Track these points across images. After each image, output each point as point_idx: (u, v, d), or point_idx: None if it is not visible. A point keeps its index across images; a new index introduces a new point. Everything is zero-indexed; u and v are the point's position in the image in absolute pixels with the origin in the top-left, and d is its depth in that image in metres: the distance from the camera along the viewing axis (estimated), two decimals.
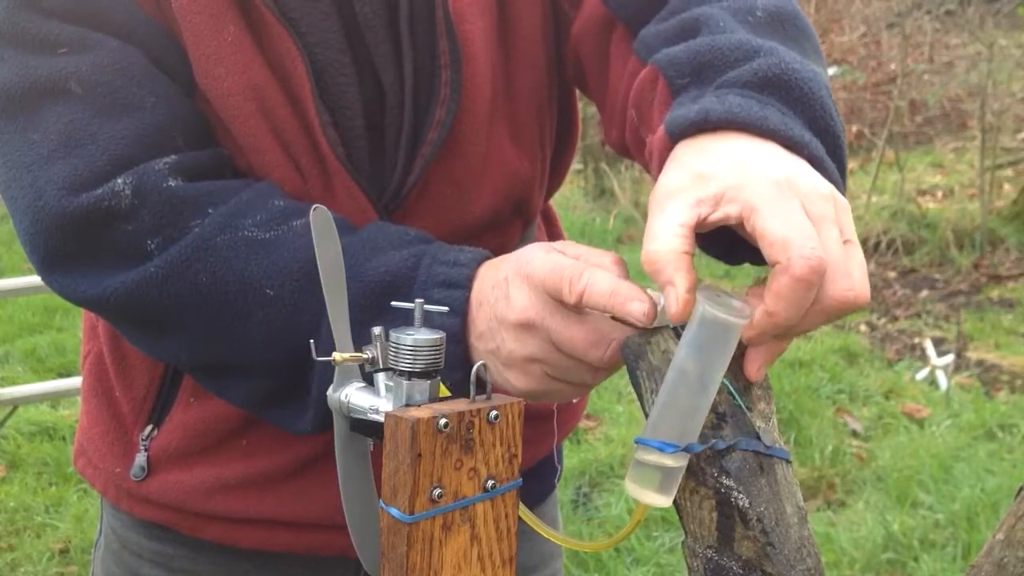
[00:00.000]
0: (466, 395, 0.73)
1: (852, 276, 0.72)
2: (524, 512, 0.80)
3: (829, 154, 0.83)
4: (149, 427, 1.09)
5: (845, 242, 0.74)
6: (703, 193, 0.75)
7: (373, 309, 0.87)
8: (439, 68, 0.99)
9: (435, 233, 1.00)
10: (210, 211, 0.92)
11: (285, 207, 0.94)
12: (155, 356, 1.04)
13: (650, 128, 0.91)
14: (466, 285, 0.86)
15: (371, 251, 0.90)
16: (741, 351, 0.76)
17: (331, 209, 0.96)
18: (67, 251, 0.93)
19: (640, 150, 0.96)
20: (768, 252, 0.71)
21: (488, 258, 0.89)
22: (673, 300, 0.72)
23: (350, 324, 0.80)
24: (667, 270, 0.73)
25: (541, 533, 0.85)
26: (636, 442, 0.73)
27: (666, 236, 0.74)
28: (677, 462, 0.72)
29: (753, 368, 0.76)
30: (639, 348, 0.76)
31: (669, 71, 0.89)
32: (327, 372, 0.85)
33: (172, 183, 0.92)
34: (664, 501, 0.74)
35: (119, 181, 0.91)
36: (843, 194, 0.84)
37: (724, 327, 0.71)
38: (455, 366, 0.84)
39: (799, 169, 0.76)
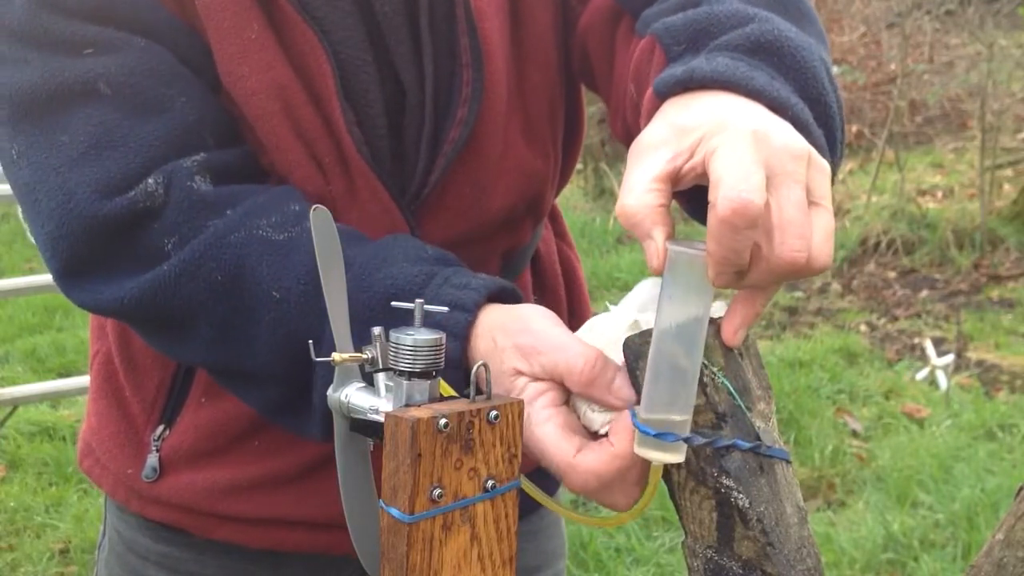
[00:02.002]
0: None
1: (806, 238, 0.71)
2: (529, 487, 0.80)
3: (818, 122, 0.83)
4: (160, 427, 1.08)
5: (812, 204, 0.73)
6: (680, 146, 0.75)
7: (376, 321, 0.85)
8: (459, 67, 0.99)
9: (453, 232, 1.00)
10: (228, 212, 0.91)
11: (300, 211, 0.93)
12: (174, 358, 1.04)
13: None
14: (471, 309, 0.83)
15: (382, 262, 0.88)
16: (724, 344, 0.76)
17: (354, 209, 0.96)
18: (92, 256, 0.92)
19: (638, 128, 0.97)
20: (709, 191, 0.71)
21: (502, 288, 0.87)
22: (653, 253, 0.73)
23: (353, 334, 0.80)
24: (645, 224, 0.73)
25: (550, 507, 0.85)
26: (633, 420, 0.74)
27: (640, 190, 0.74)
28: (682, 416, 0.73)
29: (730, 331, 0.76)
30: (639, 348, 0.76)
31: (666, 39, 0.89)
32: (328, 378, 0.85)
33: (196, 183, 0.91)
34: (676, 457, 0.74)
35: (151, 181, 0.90)
36: (835, 166, 0.83)
37: (689, 261, 0.72)
38: (454, 388, 0.83)
39: (777, 126, 0.76)
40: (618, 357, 0.79)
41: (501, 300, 0.86)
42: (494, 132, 1.02)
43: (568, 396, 0.81)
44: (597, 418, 0.79)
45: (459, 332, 0.83)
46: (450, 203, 1.03)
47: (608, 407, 0.79)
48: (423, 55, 0.99)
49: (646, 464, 0.76)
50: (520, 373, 0.80)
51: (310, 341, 0.83)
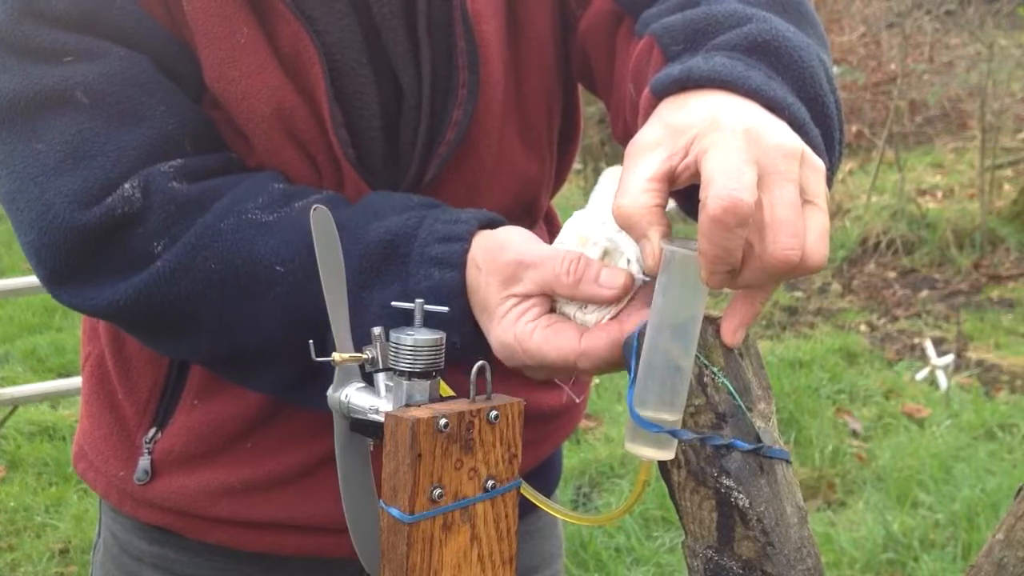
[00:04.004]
0: (474, 353, 0.74)
1: (799, 236, 0.71)
2: (528, 491, 0.80)
3: (815, 121, 0.82)
4: (152, 430, 1.08)
5: (806, 203, 0.73)
6: (674, 146, 0.75)
7: (373, 271, 0.87)
8: (456, 69, 0.99)
9: None
10: (214, 207, 0.92)
11: (285, 189, 0.94)
12: (176, 356, 1.04)
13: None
14: (466, 239, 0.86)
15: (373, 215, 0.90)
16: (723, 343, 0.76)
17: None
18: (77, 264, 0.92)
19: (636, 127, 0.97)
20: (700, 191, 0.71)
21: (491, 220, 0.89)
22: (648, 253, 0.74)
23: (349, 286, 0.80)
24: (640, 224, 0.74)
25: (548, 510, 0.85)
26: (629, 410, 0.74)
27: (636, 191, 0.75)
28: (674, 415, 0.73)
29: (728, 331, 0.76)
30: (640, 348, 0.76)
31: (664, 39, 0.89)
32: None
33: (176, 184, 0.91)
34: (666, 454, 0.74)
35: (127, 186, 0.90)
36: (833, 166, 0.83)
37: (682, 260, 0.73)
38: (460, 320, 0.84)
39: (769, 125, 0.76)
40: (595, 253, 0.82)
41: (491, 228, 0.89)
42: (489, 134, 1.02)
43: (552, 306, 0.84)
44: (591, 318, 0.82)
45: (455, 261, 0.85)
46: None
47: (601, 301, 0.81)
48: (420, 57, 1.00)
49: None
50: (509, 296, 0.83)
51: (311, 341, 0.83)
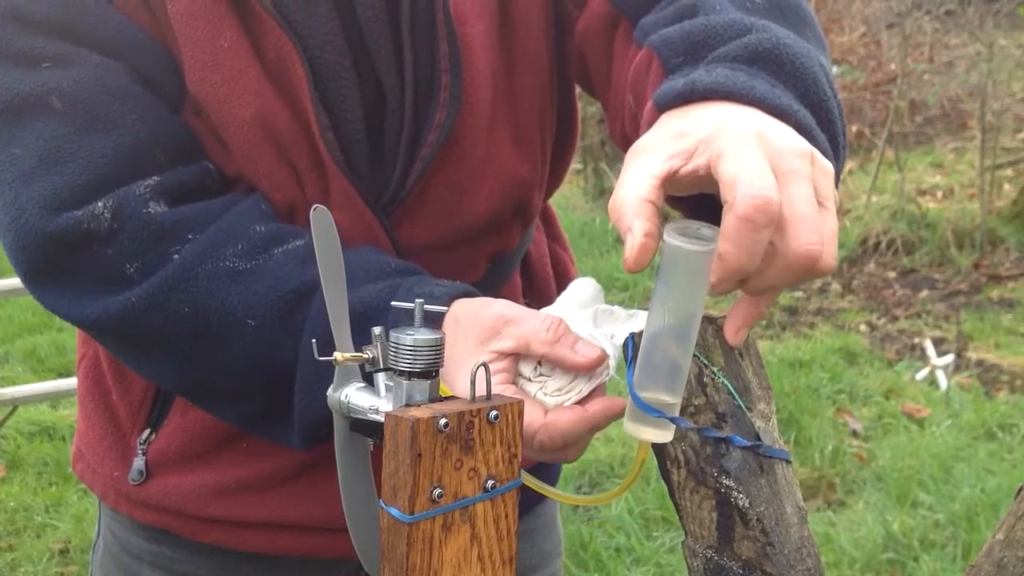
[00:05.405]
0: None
1: (819, 231, 0.70)
2: (530, 480, 0.81)
3: (821, 127, 0.82)
4: (147, 431, 1.09)
5: (819, 205, 0.72)
6: (677, 148, 0.75)
7: None
8: (439, 71, 0.99)
9: (434, 235, 1.00)
10: (190, 237, 0.92)
11: (266, 233, 0.94)
12: (145, 378, 1.05)
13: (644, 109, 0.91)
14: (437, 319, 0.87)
15: (347, 281, 0.90)
16: (726, 344, 0.76)
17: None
18: (48, 270, 0.94)
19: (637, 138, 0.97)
20: (721, 193, 0.70)
21: (466, 292, 0.90)
22: (629, 245, 0.72)
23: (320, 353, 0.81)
24: (627, 216, 0.72)
25: (548, 495, 0.86)
26: (629, 391, 0.74)
27: (631, 185, 0.74)
28: (674, 399, 0.73)
29: (731, 331, 0.76)
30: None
31: (663, 51, 0.89)
32: (308, 393, 0.88)
33: (152, 209, 0.92)
34: (665, 436, 0.74)
35: (99, 204, 0.91)
36: (838, 170, 0.83)
37: (685, 255, 0.71)
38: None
39: (777, 128, 0.75)
40: None
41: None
42: (474, 136, 1.02)
43: (515, 378, 0.85)
44: (550, 400, 0.83)
45: None
46: (430, 206, 1.03)
47: (571, 366, 0.82)
48: (404, 60, 0.99)
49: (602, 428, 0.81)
50: (485, 353, 0.83)
51: (312, 340, 0.83)
